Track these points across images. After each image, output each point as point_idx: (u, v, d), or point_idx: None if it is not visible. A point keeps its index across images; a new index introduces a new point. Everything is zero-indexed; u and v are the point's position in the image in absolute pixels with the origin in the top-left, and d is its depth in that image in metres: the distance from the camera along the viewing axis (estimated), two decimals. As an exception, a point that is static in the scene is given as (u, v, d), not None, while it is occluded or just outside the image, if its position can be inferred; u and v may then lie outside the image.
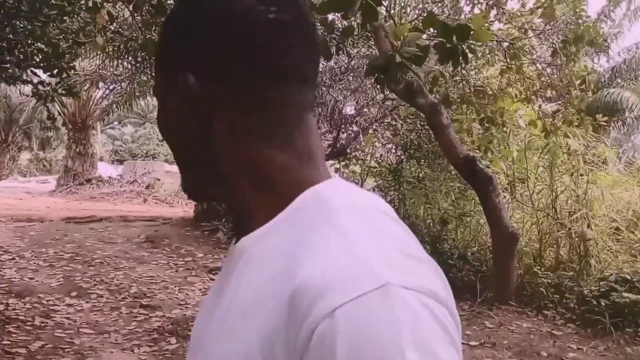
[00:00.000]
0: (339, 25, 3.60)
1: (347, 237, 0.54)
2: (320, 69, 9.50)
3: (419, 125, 8.91)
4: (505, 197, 7.20)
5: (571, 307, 5.69)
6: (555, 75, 7.36)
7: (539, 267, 6.29)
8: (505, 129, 7.28)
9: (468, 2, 8.21)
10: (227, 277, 0.65)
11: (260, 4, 0.63)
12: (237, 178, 0.64)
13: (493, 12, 8.08)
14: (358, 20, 3.04)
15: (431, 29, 3.01)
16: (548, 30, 7.25)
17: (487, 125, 6.82)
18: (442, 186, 8.31)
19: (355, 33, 4.01)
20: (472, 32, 2.78)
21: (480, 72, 8.66)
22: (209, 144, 0.64)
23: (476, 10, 8.17)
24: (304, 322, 0.50)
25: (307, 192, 0.61)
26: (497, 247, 5.95)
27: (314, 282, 0.51)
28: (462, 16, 8.08)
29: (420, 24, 2.96)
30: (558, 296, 5.83)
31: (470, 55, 2.86)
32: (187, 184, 0.70)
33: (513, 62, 6.46)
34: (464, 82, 7.51)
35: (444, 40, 2.81)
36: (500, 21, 8.04)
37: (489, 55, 8.09)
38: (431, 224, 7.71)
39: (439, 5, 8.42)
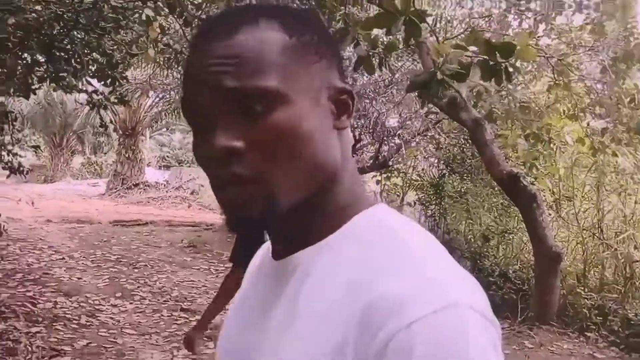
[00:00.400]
0: (384, 40, 3.64)
1: (414, 257, 0.60)
2: (364, 82, 9.57)
3: (462, 140, 8.85)
4: (550, 215, 7.07)
5: (615, 330, 5.53)
6: (605, 92, 7.21)
7: (582, 288, 6.14)
8: (552, 145, 7.16)
9: (516, 16, 8.15)
10: (275, 288, 0.67)
11: None
12: (333, 190, 0.67)
13: (541, 26, 7.99)
14: (402, 35, 3.07)
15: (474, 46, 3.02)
16: (598, 46, 7.12)
17: (532, 141, 6.72)
18: (485, 202, 8.21)
19: (399, 48, 4.05)
20: (516, 50, 2.79)
21: (527, 88, 8.56)
22: (336, 156, 0.66)
23: (524, 25, 8.10)
24: (378, 334, 0.54)
25: (361, 215, 0.66)
26: (540, 265, 5.83)
27: (389, 298, 0.56)
28: (510, 31, 8.02)
29: (463, 41, 2.98)
30: (601, 318, 5.67)
31: (513, 72, 2.86)
32: (276, 205, 0.63)
33: (561, 78, 6.36)
34: (509, 98, 7.43)
35: (487, 58, 2.82)
36: (549, 36, 7.94)
37: (536, 71, 8.00)
38: (472, 240, 7.62)
39: (486, 19, 8.38)
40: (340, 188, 0.67)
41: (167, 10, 3.33)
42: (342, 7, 3.32)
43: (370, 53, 3.23)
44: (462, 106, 5.87)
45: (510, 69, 2.78)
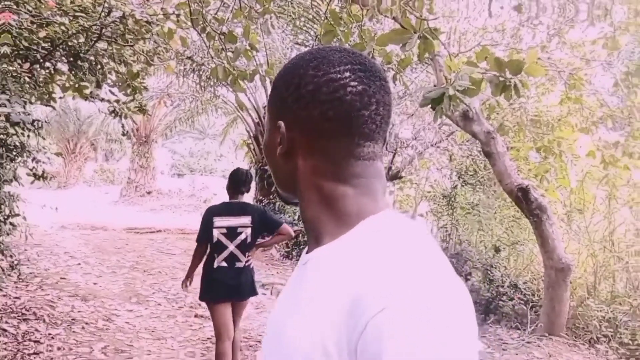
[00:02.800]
0: (399, 55, 3.75)
1: (395, 258, 0.73)
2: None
3: (475, 151, 8.91)
4: (561, 227, 7.11)
5: (625, 342, 5.56)
6: (618, 106, 7.27)
7: (593, 300, 6.17)
8: (563, 158, 7.21)
9: (529, 30, 8.24)
10: (299, 280, 0.84)
11: (344, 77, 0.82)
12: (310, 201, 0.85)
13: (554, 40, 8.07)
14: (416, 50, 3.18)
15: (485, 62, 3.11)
16: (611, 60, 7.18)
17: (543, 154, 6.79)
18: (497, 213, 8.27)
19: (412, 62, 4.16)
20: (524, 66, 2.88)
21: (540, 101, 8.63)
22: (292, 173, 0.86)
23: (537, 39, 8.19)
24: (362, 316, 0.68)
25: (367, 220, 0.80)
26: (549, 277, 5.88)
27: (371, 289, 0.70)
28: (522, 44, 8.11)
29: (474, 57, 3.08)
30: (612, 330, 5.70)
31: (522, 88, 2.95)
32: (278, 192, 0.93)
33: (572, 92, 6.43)
34: (521, 111, 7.51)
35: (497, 74, 2.92)
36: (562, 50, 8.02)
37: (549, 84, 8.07)
38: (483, 251, 7.67)
39: (500, 32, 8.48)
40: (306, 201, 0.85)
41: (189, 23, 3.46)
42: (359, 23, 3.43)
43: (385, 68, 3.34)
44: (474, 119, 5.97)
45: (520, 85, 2.87)
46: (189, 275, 4.29)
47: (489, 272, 6.95)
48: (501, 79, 2.88)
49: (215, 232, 3.88)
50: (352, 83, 0.81)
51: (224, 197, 4.13)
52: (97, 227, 12.53)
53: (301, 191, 0.85)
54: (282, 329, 0.80)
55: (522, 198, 5.91)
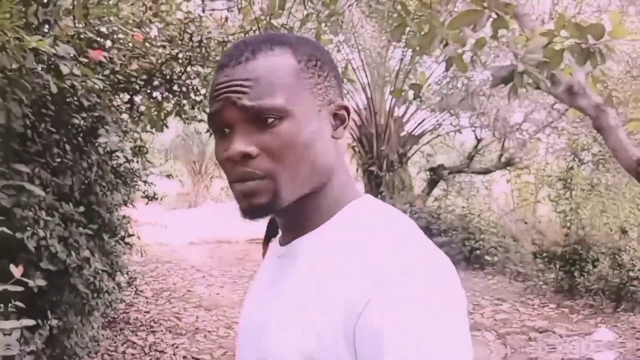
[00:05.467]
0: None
1: (388, 243, 0.72)
2: (479, 80, 9.37)
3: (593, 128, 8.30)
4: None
5: None
6: None
7: None
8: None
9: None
10: (278, 274, 0.81)
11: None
12: (334, 186, 0.81)
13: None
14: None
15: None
16: None
17: (666, 122, 6.17)
18: (625, 192, 7.65)
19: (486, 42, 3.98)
20: (607, 30, 2.66)
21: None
22: (332, 160, 0.79)
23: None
24: (360, 301, 0.67)
25: (349, 207, 0.79)
26: (685, 256, 5.34)
27: (367, 276, 0.68)
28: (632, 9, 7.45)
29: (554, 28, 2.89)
30: None
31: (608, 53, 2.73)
32: (281, 200, 0.76)
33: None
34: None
35: (578, 41, 2.72)
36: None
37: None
38: (609, 233, 7.12)
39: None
40: (332, 186, 0.80)
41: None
42: (428, 10, 3.35)
43: (461, 51, 3.23)
44: (579, 92, 5.56)
45: (605, 50, 2.66)
46: None
47: (617, 257, 6.44)
48: (583, 46, 2.68)
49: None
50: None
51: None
52: (222, 241, 13.21)
53: (330, 177, 0.80)
54: (267, 330, 0.77)
55: (644, 172, 5.41)
